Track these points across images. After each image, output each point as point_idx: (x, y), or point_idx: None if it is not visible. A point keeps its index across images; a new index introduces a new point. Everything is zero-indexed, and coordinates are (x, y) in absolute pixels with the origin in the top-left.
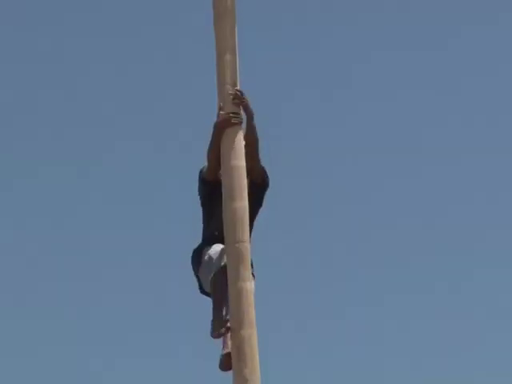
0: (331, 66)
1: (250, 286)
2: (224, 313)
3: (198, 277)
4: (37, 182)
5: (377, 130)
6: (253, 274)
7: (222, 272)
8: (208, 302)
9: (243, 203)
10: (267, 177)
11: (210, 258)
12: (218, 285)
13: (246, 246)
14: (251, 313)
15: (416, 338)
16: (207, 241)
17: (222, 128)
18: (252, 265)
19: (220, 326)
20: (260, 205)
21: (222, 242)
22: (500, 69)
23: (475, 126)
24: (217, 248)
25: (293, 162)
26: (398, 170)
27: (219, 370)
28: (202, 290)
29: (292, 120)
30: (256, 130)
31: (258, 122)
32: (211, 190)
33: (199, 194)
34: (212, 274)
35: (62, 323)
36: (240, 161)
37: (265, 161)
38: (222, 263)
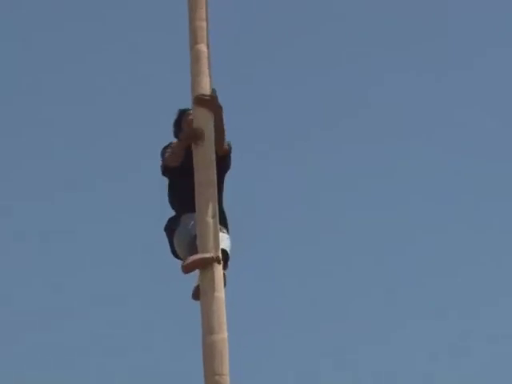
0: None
1: None
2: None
3: (171, 242)
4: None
5: None
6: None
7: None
8: None
9: (222, 336)
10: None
11: (186, 224)
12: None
13: (226, 379)
14: None
15: None
16: (180, 211)
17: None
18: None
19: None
20: (228, 167)
21: (193, 211)
22: None
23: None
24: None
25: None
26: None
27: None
28: (175, 254)
29: None
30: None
31: None
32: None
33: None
34: (189, 238)
35: None
36: (219, 293)
37: None
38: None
